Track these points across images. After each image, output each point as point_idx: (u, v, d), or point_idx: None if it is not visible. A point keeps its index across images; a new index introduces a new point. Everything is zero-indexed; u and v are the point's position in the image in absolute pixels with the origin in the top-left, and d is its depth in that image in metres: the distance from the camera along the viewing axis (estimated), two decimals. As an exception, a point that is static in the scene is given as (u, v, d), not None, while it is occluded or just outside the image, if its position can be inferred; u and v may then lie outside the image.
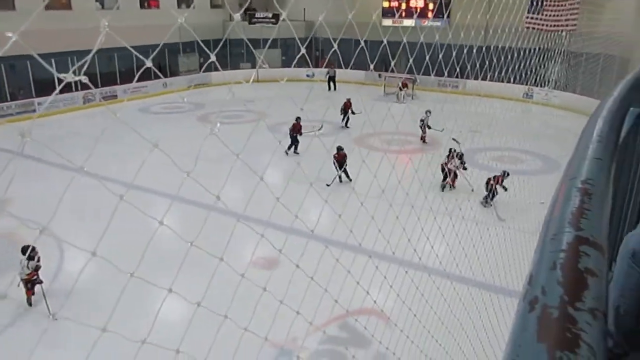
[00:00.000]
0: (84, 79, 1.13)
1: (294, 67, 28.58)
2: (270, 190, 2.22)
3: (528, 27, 21.24)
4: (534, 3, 22.03)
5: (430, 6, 27.70)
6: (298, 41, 2.58)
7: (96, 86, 23.26)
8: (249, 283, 2.33)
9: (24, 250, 8.35)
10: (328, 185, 13.10)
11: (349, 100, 19.88)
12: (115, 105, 23.81)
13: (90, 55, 1.26)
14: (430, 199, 3.90)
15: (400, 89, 24.34)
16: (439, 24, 25.26)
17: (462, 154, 13.27)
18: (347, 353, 7.08)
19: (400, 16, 28.39)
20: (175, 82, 27.58)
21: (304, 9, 29.25)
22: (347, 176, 13.85)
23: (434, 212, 4.04)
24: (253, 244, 8.37)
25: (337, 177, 13.64)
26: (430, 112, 17.46)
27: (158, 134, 18.47)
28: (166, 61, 27.71)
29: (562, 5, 21.75)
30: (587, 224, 0.69)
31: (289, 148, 16.25)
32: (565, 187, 0.85)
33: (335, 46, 2.20)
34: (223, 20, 31.16)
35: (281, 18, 1.71)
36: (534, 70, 21.81)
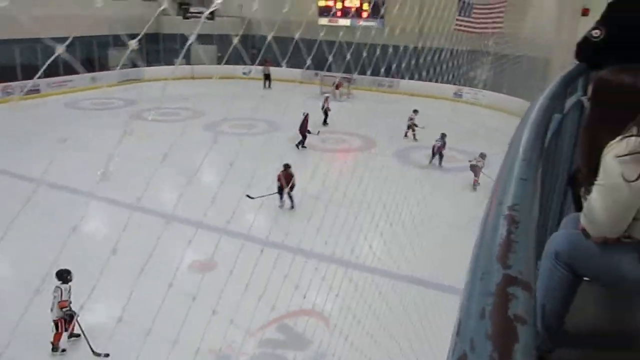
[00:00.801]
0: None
1: (231, 64, 28.17)
2: (202, 191, 2.13)
3: (458, 30, 22.02)
4: (464, 6, 22.87)
5: (365, 6, 28.12)
6: (233, 37, 2.50)
7: (16, 79, 21.89)
8: (183, 287, 2.23)
9: (60, 274, 6.54)
10: (251, 197, 9.67)
11: (326, 98, 20.06)
12: (38, 100, 22.50)
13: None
14: (368, 197, 3.92)
15: (337, 88, 24.59)
16: (374, 24, 25.68)
17: (485, 155, 13.62)
18: (287, 355, 7.04)
19: (336, 15, 28.63)
20: (105, 77, 26.42)
21: (241, 5, 28.86)
22: (291, 202, 11.27)
23: (372, 211, 4.07)
24: (188, 247, 8.14)
25: (279, 200, 11.33)
26: (417, 111, 17.78)
27: (86, 130, 17.68)
28: (95, 54, 26.49)
29: (489, 9, 22.71)
30: (515, 259, 0.69)
31: (300, 143, 16.14)
32: (493, 213, 0.84)
33: (269, 39, 2.14)
34: (157, 14, 30.15)
35: (209, 10, 1.63)
36: (463, 71, 22.67)
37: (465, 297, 0.62)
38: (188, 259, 7.21)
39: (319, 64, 25.75)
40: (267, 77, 27.49)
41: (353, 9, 28.30)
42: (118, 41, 27.40)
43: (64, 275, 6.72)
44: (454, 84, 23.79)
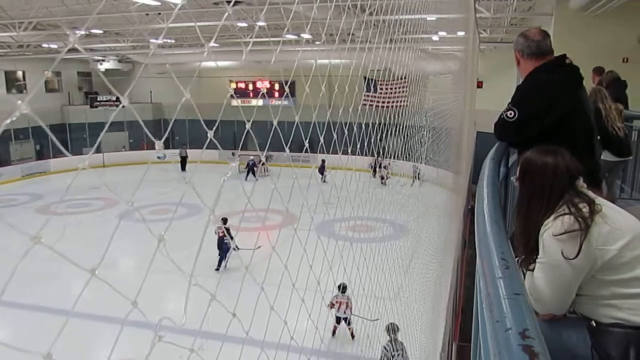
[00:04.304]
0: None
1: (144, 149, 27.66)
2: (123, 285, 1.98)
3: (365, 105, 23.26)
4: (369, 84, 24.36)
5: (276, 87, 29.18)
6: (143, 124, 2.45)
7: None
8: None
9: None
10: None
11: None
12: None
13: None
14: (294, 274, 3.82)
15: (263, 164, 25.08)
16: (286, 103, 26.55)
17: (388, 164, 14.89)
18: None
19: (248, 97, 29.39)
20: (7, 172, 24.87)
21: (151, 91, 28.89)
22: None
23: (296, 289, 3.97)
24: (107, 347, 7.49)
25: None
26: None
27: (-15, 232, 16.24)
28: (-6, 150, 25.06)
29: (393, 86, 24.33)
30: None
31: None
32: (502, 343, 0.84)
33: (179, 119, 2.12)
34: (61, 105, 29.39)
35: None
36: (377, 143, 23.77)
37: None
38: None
39: (236, 144, 26.13)
40: (183, 159, 27.24)
41: (264, 90, 29.24)
42: (20, 134, 26.18)
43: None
44: (370, 155, 24.81)
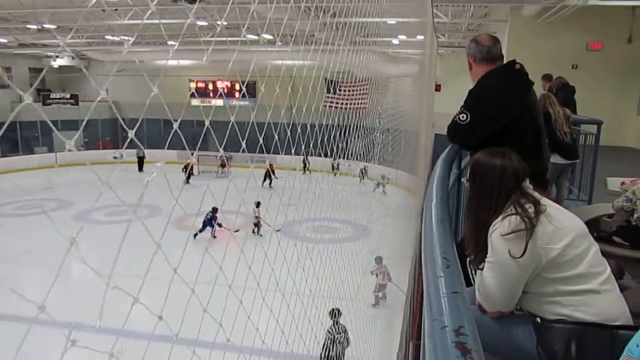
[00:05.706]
0: None
1: (100, 149, 26.91)
2: (80, 290, 1.92)
3: (325, 106, 23.32)
4: (331, 86, 24.42)
5: (237, 87, 28.91)
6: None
7: None
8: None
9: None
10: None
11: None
12: None
13: None
14: (260, 278, 3.78)
15: (223, 166, 24.75)
16: (247, 103, 26.29)
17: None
18: None
19: (208, 96, 29.01)
20: (-49, 172, 23.74)
21: (107, 89, 28.07)
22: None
23: (262, 291, 3.93)
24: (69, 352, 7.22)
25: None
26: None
27: None
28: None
29: (354, 88, 24.44)
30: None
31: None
32: (438, 341, 0.86)
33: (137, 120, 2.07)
34: (11, 102, 28.17)
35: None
36: (339, 144, 23.82)
37: None
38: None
39: (195, 144, 25.67)
40: (141, 159, 26.57)
41: (225, 90, 28.92)
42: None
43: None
44: (331, 157, 24.86)
